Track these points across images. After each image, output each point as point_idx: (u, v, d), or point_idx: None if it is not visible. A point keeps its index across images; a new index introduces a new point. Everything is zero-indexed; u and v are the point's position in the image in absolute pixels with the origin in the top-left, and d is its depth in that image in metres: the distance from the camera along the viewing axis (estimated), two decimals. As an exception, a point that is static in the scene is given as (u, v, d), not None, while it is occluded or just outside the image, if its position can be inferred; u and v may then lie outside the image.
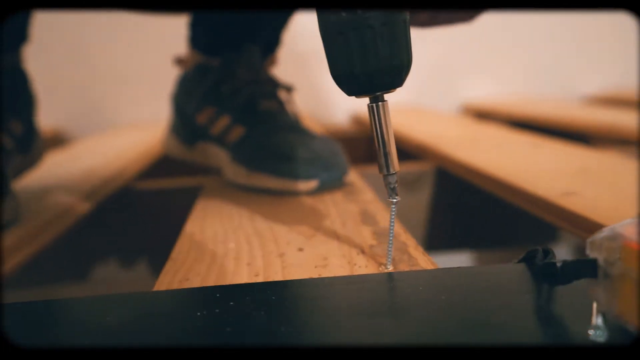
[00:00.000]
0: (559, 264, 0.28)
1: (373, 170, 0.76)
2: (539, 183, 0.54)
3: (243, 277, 0.37)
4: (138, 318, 0.30)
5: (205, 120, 0.67)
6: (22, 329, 0.29)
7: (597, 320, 0.25)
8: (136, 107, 1.44)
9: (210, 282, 0.36)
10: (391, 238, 0.37)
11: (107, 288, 0.79)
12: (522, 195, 0.53)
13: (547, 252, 0.32)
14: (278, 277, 0.36)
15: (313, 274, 0.37)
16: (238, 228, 0.49)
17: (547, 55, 1.57)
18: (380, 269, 0.37)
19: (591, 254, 0.26)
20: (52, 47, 1.36)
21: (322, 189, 0.59)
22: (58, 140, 1.32)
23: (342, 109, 1.46)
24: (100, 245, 0.75)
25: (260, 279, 0.36)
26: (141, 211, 0.76)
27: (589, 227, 0.42)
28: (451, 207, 0.79)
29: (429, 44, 1.36)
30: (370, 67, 0.32)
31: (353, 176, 0.66)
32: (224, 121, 0.65)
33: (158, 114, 1.31)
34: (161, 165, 0.99)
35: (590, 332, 0.25)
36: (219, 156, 0.67)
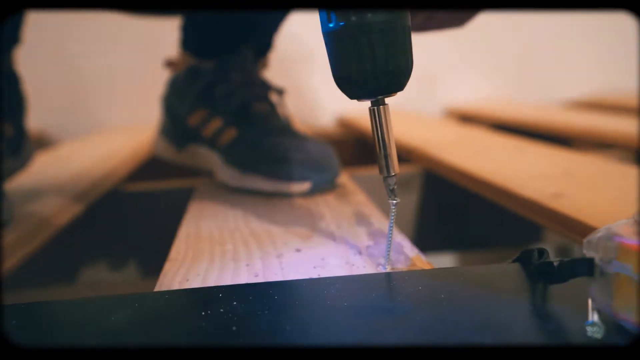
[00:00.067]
0: (555, 263, 0.29)
1: (363, 172, 0.77)
2: (527, 185, 0.55)
3: (243, 277, 0.37)
4: (143, 318, 0.30)
5: (197, 123, 0.67)
6: (22, 329, 0.30)
7: (594, 317, 0.26)
8: (121, 109, 1.43)
9: (211, 282, 0.37)
10: (390, 238, 0.37)
11: (96, 290, 0.79)
12: (512, 197, 0.54)
13: (542, 252, 0.33)
14: (278, 278, 0.37)
15: (312, 274, 0.37)
16: (234, 229, 0.49)
17: (529, 59, 1.60)
18: (378, 269, 0.38)
19: (588, 253, 0.27)
20: (35, 48, 1.35)
21: (315, 190, 0.60)
22: (42, 142, 1.31)
23: (328, 111, 1.46)
24: (90, 247, 0.74)
25: (260, 280, 0.37)
26: (131, 213, 0.75)
27: (578, 228, 0.43)
28: (438, 210, 0.80)
29: (413, 48, 1.37)
30: (372, 71, 0.33)
31: (344, 178, 0.67)
32: (216, 123, 0.65)
33: (143, 116, 1.31)
34: (150, 168, 0.99)
35: (588, 328, 0.26)
36: (211, 158, 0.67)
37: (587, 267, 0.26)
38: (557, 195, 0.50)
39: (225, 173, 0.64)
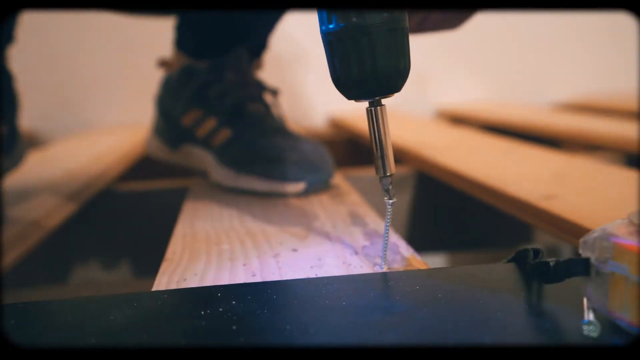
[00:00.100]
0: (551, 263, 0.30)
1: (356, 172, 0.77)
2: (519, 186, 0.56)
3: (240, 277, 0.38)
4: (143, 318, 0.31)
5: (191, 123, 0.67)
6: (21, 329, 0.30)
7: (589, 315, 0.26)
8: (113, 109, 1.43)
9: (209, 282, 0.37)
10: (386, 238, 0.38)
11: (89, 290, 0.79)
12: (504, 198, 0.55)
13: (538, 252, 0.33)
14: (275, 278, 0.37)
15: (310, 274, 0.37)
16: (229, 229, 0.49)
17: (521, 61, 1.61)
18: (374, 269, 0.38)
19: (584, 253, 0.27)
20: (26, 46, 1.34)
21: (309, 191, 0.60)
22: (33, 142, 1.30)
23: (319, 112, 1.47)
24: (82, 247, 0.74)
25: (257, 279, 0.37)
26: (123, 213, 0.75)
27: (570, 229, 0.44)
28: (430, 211, 0.81)
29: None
30: (372, 72, 0.33)
31: (337, 179, 0.67)
32: (210, 123, 0.65)
33: (136, 116, 1.30)
34: (143, 167, 0.98)
35: (584, 327, 0.26)
36: (205, 158, 0.67)
37: (582, 267, 0.27)
38: (549, 196, 0.51)
39: (220, 173, 0.64)
